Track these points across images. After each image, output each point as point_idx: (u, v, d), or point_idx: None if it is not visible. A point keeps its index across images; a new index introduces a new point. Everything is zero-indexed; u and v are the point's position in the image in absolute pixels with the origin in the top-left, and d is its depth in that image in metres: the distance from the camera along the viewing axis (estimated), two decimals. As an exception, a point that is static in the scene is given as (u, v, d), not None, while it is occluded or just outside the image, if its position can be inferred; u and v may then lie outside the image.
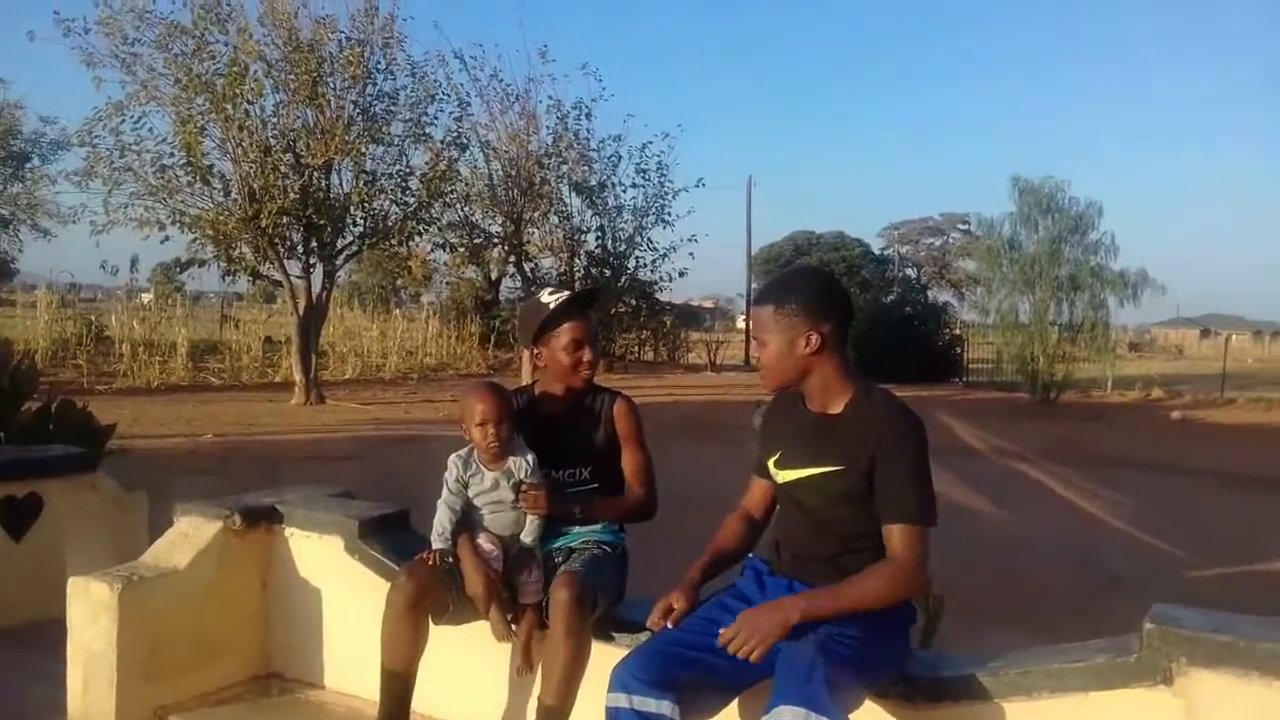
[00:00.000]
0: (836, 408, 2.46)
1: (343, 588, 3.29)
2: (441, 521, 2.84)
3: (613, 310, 23.50)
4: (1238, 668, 1.99)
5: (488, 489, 2.87)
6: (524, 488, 2.85)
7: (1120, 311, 23.01)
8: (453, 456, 2.91)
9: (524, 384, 3.22)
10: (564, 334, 2.96)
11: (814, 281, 2.56)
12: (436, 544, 2.82)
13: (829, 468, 2.41)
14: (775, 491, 2.61)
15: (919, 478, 2.34)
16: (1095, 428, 18.04)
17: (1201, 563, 7.52)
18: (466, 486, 2.88)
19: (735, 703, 2.42)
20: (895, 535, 2.31)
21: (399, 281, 39.33)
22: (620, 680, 2.31)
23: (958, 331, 30.38)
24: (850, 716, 2.18)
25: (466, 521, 2.87)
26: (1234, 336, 53.20)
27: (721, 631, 2.29)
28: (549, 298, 3.01)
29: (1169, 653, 2.07)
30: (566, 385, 3.01)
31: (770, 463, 2.58)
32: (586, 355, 2.97)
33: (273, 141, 16.23)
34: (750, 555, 2.71)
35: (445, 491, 2.87)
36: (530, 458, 2.89)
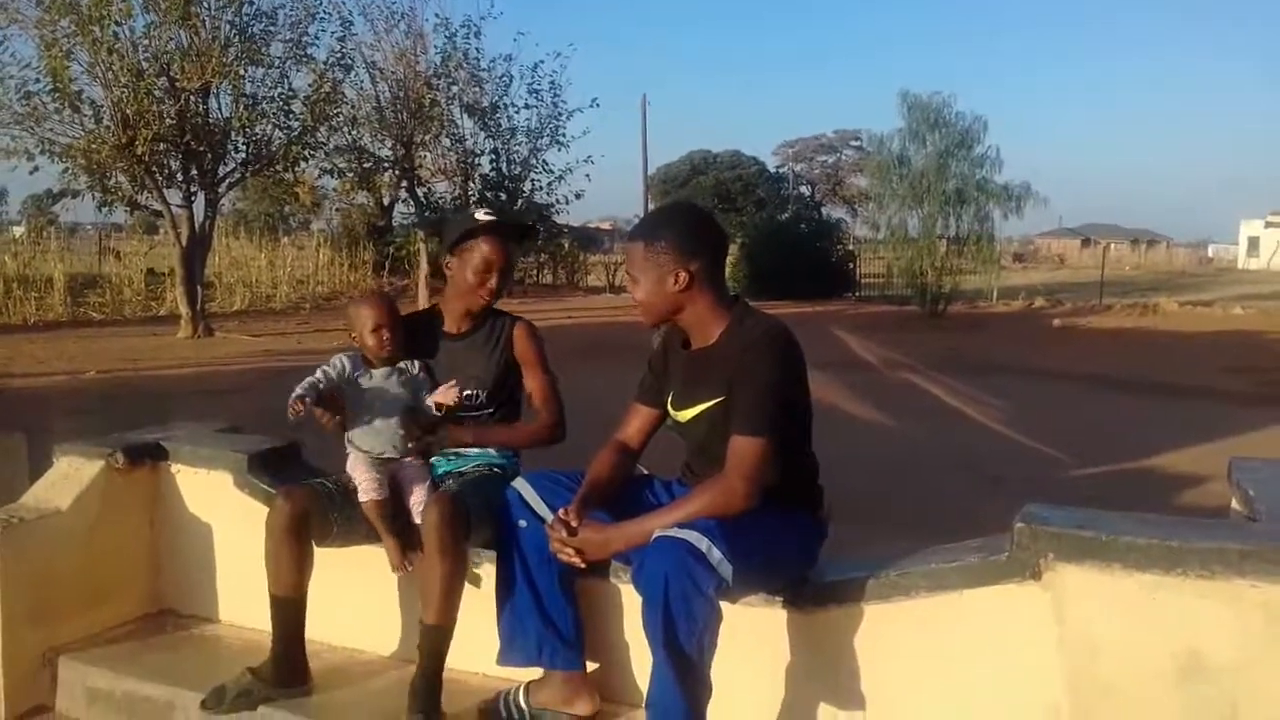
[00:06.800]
0: (712, 339, 2.48)
1: (233, 522, 3.25)
2: (311, 381, 2.78)
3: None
4: (1100, 561, 2.06)
5: (379, 383, 2.87)
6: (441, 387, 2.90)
7: (1005, 224, 23.85)
8: (340, 354, 2.90)
9: (420, 308, 3.18)
10: (479, 252, 2.92)
11: (684, 219, 2.54)
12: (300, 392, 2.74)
13: (714, 400, 2.42)
14: (674, 428, 2.61)
15: (764, 391, 2.31)
16: (981, 337, 18.60)
17: (1079, 462, 7.87)
18: (353, 385, 2.86)
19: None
20: (732, 446, 2.30)
21: (287, 209, 38.21)
22: (525, 477, 2.65)
23: (851, 247, 30.88)
24: (736, 618, 2.27)
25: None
26: (1113, 246, 55.15)
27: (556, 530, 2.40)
28: (482, 215, 2.98)
29: (1037, 549, 2.15)
30: (465, 307, 2.99)
31: (669, 403, 2.59)
32: (492, 281, 2.93)
33: (145, 65, 15.47)
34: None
35: (320, 372, 2.82)
36: (417, 363, 2.94)
